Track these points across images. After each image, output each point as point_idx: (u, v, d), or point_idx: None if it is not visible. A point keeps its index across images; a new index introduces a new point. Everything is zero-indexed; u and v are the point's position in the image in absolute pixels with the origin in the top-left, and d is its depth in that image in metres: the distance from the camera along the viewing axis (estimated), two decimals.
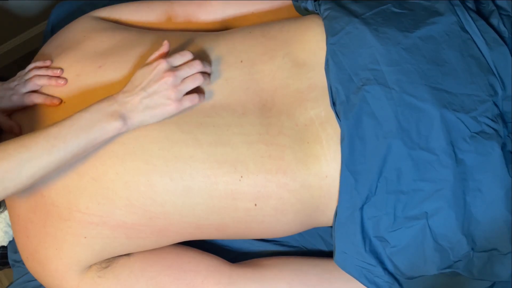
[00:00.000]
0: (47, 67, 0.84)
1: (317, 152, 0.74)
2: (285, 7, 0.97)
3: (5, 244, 0.97)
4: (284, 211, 0.76)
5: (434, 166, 0.72)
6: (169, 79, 0.71)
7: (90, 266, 0.77)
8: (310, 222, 0.81)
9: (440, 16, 0.80)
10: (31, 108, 0.82)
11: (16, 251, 0.96)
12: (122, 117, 0.70)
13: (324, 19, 0.83)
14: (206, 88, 0.78)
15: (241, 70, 0.80)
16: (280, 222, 0.78)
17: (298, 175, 0.74)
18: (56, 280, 0.76)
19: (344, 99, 0.75)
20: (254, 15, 0.97)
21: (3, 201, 0.89)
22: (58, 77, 0.82)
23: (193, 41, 0.84)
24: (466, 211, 0.72)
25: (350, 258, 0.76)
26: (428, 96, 0.73)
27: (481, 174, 0.72)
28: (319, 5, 0.86)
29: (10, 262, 0.98)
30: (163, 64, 0.72)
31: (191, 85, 0.73)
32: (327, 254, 0.91)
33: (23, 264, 0.90)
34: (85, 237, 0.74)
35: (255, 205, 0.75)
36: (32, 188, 0.74)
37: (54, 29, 1.14)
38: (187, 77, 0.73)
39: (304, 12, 0.92)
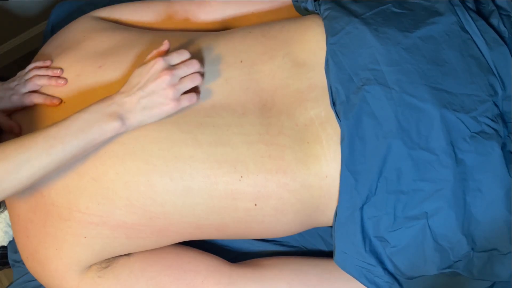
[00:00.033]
0: (47, 67, 0.84)
1: (317, 152, 0.74)
2: (285, 7, 0.97)
3: (5, 244, 0.97)
4: (284, 211, 0.76)
5: (434, 166, 0.72)
6: (166, 77, 0.70)
7: (90, 266, 0.77)
8: (310, 222, 0.81)
9: (440, 16, 0.80)
10: (31, 108, 0.82)
11: (16, 251, 0.96)
12: (121, 118, 0.70)
13: (324, 19, 0.83)
14: (206, 88, 0.78)
15: (241, 70, 0.80)
16: (280, 222, 0.78)
17: (298, 175, 0.74)
18: (56, 280, 0.76)
19: (344, 99, 0.75)
20: (254, 15, 0.97)
21: (3, 201, 0.89)
22: (58, 77, 0.82)
23: (193, 41, 0.84)
24: (466, 211, 0.72)
25: (350, 258, 0.76)
26: (428, 96, 0.73)
27: (481, 174, 0.72)
28: (319, 5, 0.86)
29: (10, 262, 0.98)
30: (160, 63, 0.71)
31: (189, 85, 0.73)
32: (327, 254, 0.91)
33: (23, 264, 0.90)
34: (85, 237, 0.74)
35: (255, 205, 0.75)
36: (32, 188, 0.74)
37: (54, 29, 1.14)
38: (184, 76, 0.73)
39: (304, 12, 0.92)
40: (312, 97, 0.77)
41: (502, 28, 0.80)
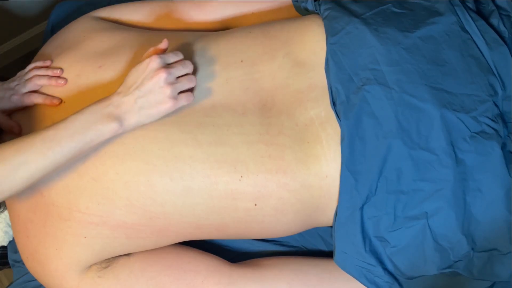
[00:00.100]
0: (47, 67, 0.84)
1: (317, 152, 0.74)
2: (285, 7, 0.97)
3: (5, 244, 0.97)
4: (284, 211, 0.76)
5: (434, 166, 0.72)
6: (163, 75, 0.70)
7: (90, 266, 0.77)
8: (310, 222, 0.81)
9: (440, 16, 0.80)
10: (31, 108, 0.82)
11: (16, 251, 0.96)
12: (118, 119, 0.69)
13: (324, 19, 0.83)
14: (206, 88, 0.78)
15: (241, 70, 0.80)
16: (280, 222, 0.78)
17: (298, 175, 0.74)
18: (56, 280, 0.76)
19: (344, 99, 0.75)
20: (254, 15, 0.97)
21: (3, 201, 0.89)
22: (58, 77, 0.82)
23: (193, 41, 0.84)
24: (466, 211, 0.72)
25: (350, 258, 0.76)
26: (428, 96, 0.73)
27: (481, 174, 0.72)
28: (319, 5, 0.86)
29: (10, 262, 0.98)
30: (156, 61, 0.70)
31: (187, 85, 0.73)
32: (327, 254, 0.91)
33: (23, 264, 0.90)
34: (85, 237, 0.74)
35: (255, 205, 0.75)
36: (32, 188, 0.74)
37: (54, 29, 1.14)
38: (181, 76, 0.73)
39: (304, 12, 0.92)
40: (312, 97, 0.77)
41: (502, 28, 0.80)
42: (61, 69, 0.83)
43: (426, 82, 0.74)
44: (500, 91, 0.75)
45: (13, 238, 0.97)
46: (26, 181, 0.66)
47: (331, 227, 0.80)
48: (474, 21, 0.79)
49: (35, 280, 0.90)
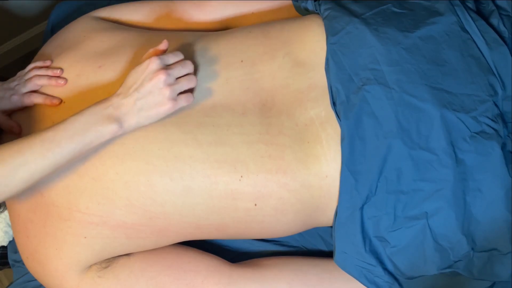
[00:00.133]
0: (47, 67, 0.84)
1: (317, 152, 0.74)
2: (285, 7, 0.97)
3: (5, 244, 0.97)
4: (284, 211, 0.76)
5: (434, 166, 0.72)
6: (162, 76, 0.69)
7: (90, 266, 0.77)
8: (310, 222, 0.81)
9: (440, 16, 0.80)
10: (31, 108, 0.82)
11: (16, 251, 0.96)
12: (118, 120, 0.69)
13: (324, 19, 0.83)
14: (206, 88, 0.78)
15: (241, 70, 0.80)
16: (280, 222, 0.78)
17: (298, 175, 0.74)
18: (56, 280, 0.76)
19: (344, 99, 0.75)
20: (254, 15, 0.97)
21: (3, 201, 0.89)
22: (58, 77, 0.82)
23: (193, 41, 0.84)
24: (466, 211, 0.72)
25: (350, 258, 0.76)
26: (428, 96, 0.73)
27: (481, 174, 0.72)
28: (319, 5, 0.86)
29: (10, 262, 0.98)
30: (155, 62, 0.70)
31: (186, 86, 0.73)
32: (327, 254, 0.91)
33: (23, 264, 0.90)
34: (85, 237, 0.74)
35: (255, 205, 0.75)
36: (32, 188, 0.74)
37: (54, 29, 1.14)
38: (181, 76, 0.73)
39: (304, 12, 0.92)
40: (312, 97, 0.77)
41: (502, 28, 0.80)
42: (61, 69, 0.83)
43: (426, 82, 0.74)
44: (500, 91, 0.75)
45: (13, 238, 0.97)
46: (25, 182, 0.66)
47: (331, 227, 0.80)
48: (474, 21, 0.79)
49: (35, 280, 0.90)
